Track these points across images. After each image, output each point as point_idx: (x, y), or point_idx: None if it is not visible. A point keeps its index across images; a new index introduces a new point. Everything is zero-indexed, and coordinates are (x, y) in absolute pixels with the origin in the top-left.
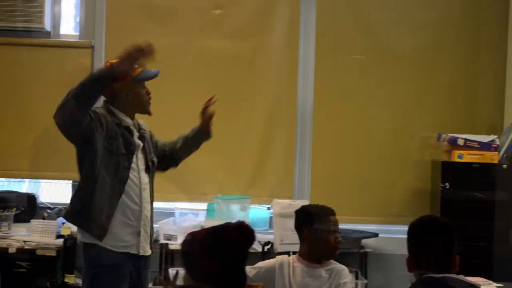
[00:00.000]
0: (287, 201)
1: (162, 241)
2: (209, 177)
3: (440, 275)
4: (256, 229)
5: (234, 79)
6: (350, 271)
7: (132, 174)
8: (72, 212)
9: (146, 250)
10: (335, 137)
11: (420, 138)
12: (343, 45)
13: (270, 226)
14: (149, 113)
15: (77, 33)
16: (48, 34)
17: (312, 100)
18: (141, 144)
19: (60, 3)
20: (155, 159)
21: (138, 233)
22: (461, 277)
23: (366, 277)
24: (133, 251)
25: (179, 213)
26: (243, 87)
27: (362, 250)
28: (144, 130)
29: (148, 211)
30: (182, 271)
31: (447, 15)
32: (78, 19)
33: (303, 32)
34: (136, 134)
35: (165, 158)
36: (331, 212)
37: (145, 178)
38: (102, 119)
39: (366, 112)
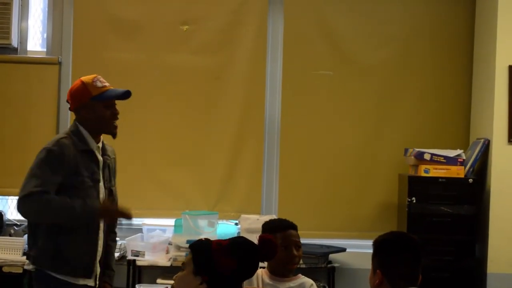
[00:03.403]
0: (255, 216)
1: (130, 257)
2: (177, 192)
3: None
4: None
5: (201, 95)
6: (318, 286)
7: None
8: (46, 257)
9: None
10: (303, 152)
11: (387, 152)
12: (310, 61)
13: None
14: (113, 135)
15: (44, 49)
16: (15, 50)
17: (279, 116)
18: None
19: (27, 19)
20: (114, 188)
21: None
22: None
23: None
24: (91, 284)
25: (147, 229)
26: (210, 102)
27: (329, 265)
28: (108, 156)
29: (101, 241)
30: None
31: (414, 31)
32: (45, 35)
33: (271, 48)
34: (100, 160)
35: None
36: (291, 226)
37: None
38: (63, 163)
39: (334, 127)
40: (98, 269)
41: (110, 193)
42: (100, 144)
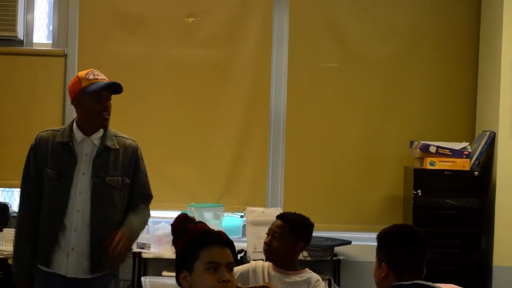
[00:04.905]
0: (261, 209)
1: (135, 249)
2: (182, 185)
3: (409, 283)
4: (229, 237)
5: (206, 88)
6: (323, 279)
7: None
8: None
9: (78, 272)
10: (308, 145)
11: (393, 145)
12: (316, 53)
13: (243, 234)
14: (104, 128)
15: (50, 42)
16: (20, 42)
17: (285, 109)
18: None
19: (33, 12)
20: (113, 178)
21: (67, 255)
22: (430, 284)
23: (339, 285)
24: (61, 272)
25: (152, 222)
26: (215, 95)
27: (335, 258)
28: (109, 146)
29: (85, 232)
30: None
31: (419, 24)
32: (51, 28)
33: (276, 41)
34: (77, 152)
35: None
36: (279, 216)
37: (81, 200)
38: (36, 156)
39: (339, 120)
40: (71, 258)
41: (104, 183)
42: (98, 134)
